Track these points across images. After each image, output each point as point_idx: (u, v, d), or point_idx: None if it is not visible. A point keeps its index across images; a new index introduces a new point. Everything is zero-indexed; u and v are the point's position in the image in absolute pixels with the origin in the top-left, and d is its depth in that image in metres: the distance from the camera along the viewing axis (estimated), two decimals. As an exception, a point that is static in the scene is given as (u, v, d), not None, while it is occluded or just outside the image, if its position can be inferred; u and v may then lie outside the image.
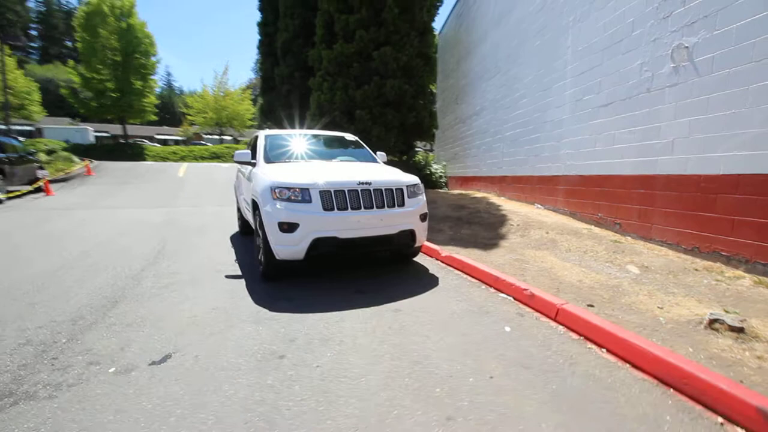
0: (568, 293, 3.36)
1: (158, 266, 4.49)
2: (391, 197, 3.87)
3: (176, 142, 46.98)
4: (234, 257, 4.92)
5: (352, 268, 4.37)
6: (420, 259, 4.85)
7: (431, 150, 19.18)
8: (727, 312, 2.78)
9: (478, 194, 10.04)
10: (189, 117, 40.21)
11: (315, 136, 5.59)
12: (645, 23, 4.77)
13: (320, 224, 3.57)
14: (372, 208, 3.73)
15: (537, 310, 3.08)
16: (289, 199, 3.61)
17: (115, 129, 45.29)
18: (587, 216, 5.96)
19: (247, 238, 6.16)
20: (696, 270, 3.74)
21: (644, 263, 4.06)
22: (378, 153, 5.44)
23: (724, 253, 3.76)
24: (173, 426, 1.77)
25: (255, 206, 4.24)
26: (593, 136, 5.80)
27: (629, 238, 4.99)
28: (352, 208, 3.66)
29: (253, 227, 4.47)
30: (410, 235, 4.01)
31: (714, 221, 3.86)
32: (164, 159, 26.40)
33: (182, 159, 26.65)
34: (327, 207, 3.60)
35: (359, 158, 5.16)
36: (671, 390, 2.05)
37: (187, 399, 1.98)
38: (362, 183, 3.75)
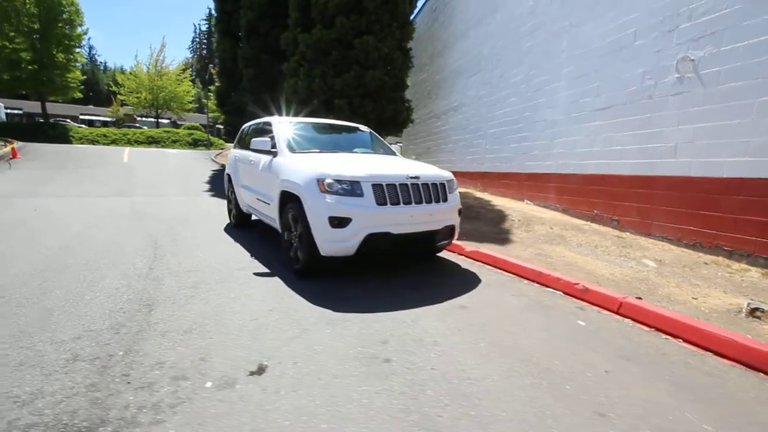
0: (608, 286, 3.56)
1: (167, 263, 4.04)
2: (436, 192, 3.81)
3: (104, 124, 42.44)
4: (246, 253, 4.58)
5: (379, 266, 4.24)
6: (442, 254, 4.86)
7: (398, 144, 19.24)
8: (758, 301, 3.13)
9: (460, 189, 10.27)
10: (120, 96, 36.56)
11: (330, 125, 5.34)
12: (648, 35, 5.15)
13: (374, 219, 3.42)
14: (421, 203, 3.66)
15: (595, 304, 3.23)
16: (338, 193, 3.41)
17: (31, 106, 39.85)
18: (581, 212, 6.36)
19: (245, 231, 5.77)
20: (705, 263, 4.16)
21: (656, 257, 4.44)
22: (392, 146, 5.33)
23: (726, 248, 4.22)
24: (331, 444, 1.61)
25: (285, 199, 3.96)
26: (590, 138, 6.18)
27: (628, 233, 5.41)
28: (404, 203, 3.56)
29: (278, 222, 4.17)
30: (451, 230, 4.00)
31: (716, 219, 4.31)
32: (93, 142, 23.69)
33: (114, 143, 24.11)
34: (380, 201, 3.46)
35: (379, 150, 5.02)
36: (760, 374, 2.26)
37: (324, 411, 1.80)
38: (411, 177, 3.66)
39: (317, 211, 3.42)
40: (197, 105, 49.19)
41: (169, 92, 35.97)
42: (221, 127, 51.52)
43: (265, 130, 4.98)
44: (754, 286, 3.56)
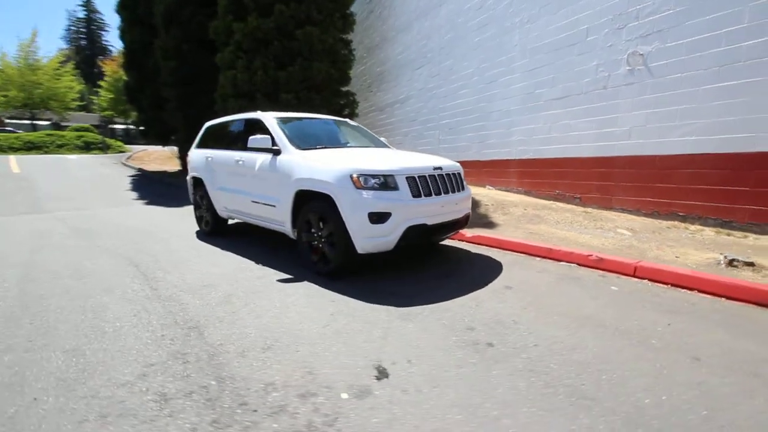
0: (610, 254, 4.04)
1: (167, 281, 3.60)
2: (456, 181, 3.93)
3: (-41, 128, 34.84)
4: (247, 260, 4.26)
5: (382, 263, 4.14)
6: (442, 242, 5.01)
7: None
8: (729, 254, 3.81)
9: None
10: (-21, 97, 30.48)
11: (320, 120, 5.13)
12: (600, 31, 5.82)
13: (411, 212, 3.42)
14: (447, 192, 3.74)
15: (612, 271, 3.65)
16: (374, 188, 3.35)
17: None
18: (544, 193, 7.00)
19: (224, 238, 5.33)
20: (668, 228, 4.91)
21: (627, 227, 5.11)
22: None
23: (680, 214, 5.03)
24: None
25: (303, 199, 3.76)
26: (547, 125, 6.80)
27: (592, 209, 6.12)
28: (434, 194, 3.61)
29: (289, 225, 3.93)
30: (468, 218, 4.16)
31: (670, 190, 5.10)
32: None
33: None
34: (415, 194, 3.46)
35: (375, 144, 4.97)
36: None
37: (480, 400, 1.82)
38: (436, 168, 3.72)
39: (354, 207, 3.32)
40: (83, 103, 42.94)
41: (47, 89, 30.90)
42: (119, 127, 45.75)
43: (255, 128, 4.60)
44: (714, 242, 4.32)
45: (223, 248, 4.84)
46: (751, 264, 3.51)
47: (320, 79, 10.93)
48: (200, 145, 5.79)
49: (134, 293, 3.30)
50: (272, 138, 4.17)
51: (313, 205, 3.70)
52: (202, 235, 5.62)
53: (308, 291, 3.31)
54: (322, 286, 3.40)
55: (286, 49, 10.71)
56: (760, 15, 4.12)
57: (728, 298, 2.99)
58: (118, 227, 6.14)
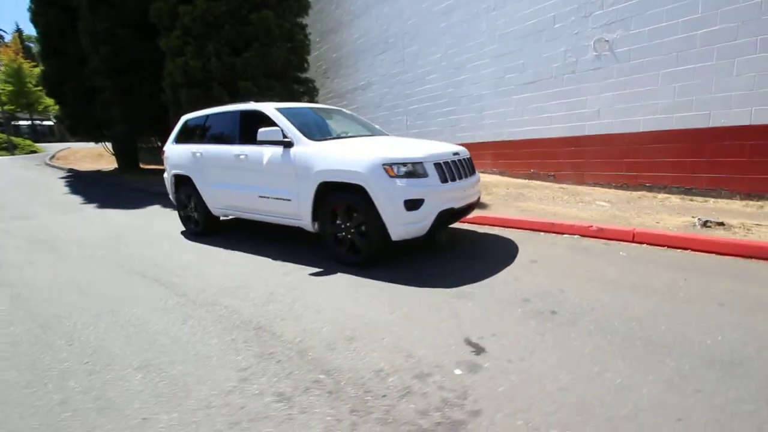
0: (578, 225, 4.50)
1: (189, 286, 3.44)
2: (470, 166, 4.11)
3: None
4: (263, 258, 4.15)
5: (398, 247, 4.20)
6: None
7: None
8: (700, 217, 4.43)
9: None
10: None
11: (319, 109, 5.02)
12: (566, 19, 6.27)
13: (442, 197, 3.55)
14: (466, 177, 3.92)
15: (613, 239, 4.08)
16: (405, 175, 3.42)
17: None
18: (519, 173, 7.48)
19: (220, 237, 5.12)
20: (639, 198, 5.54)
21: (604, 199, 5.67)
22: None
23: (647, 185, 5.68)
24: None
25: (325, 191, 3.72)
26: (519, 108, 7.23)
27: (566, 185, 6.67)
28: (457, 178, 3.76)
29: (309, 218, 3.88)
30: (479, 200, 4.38)
31: (637, 164, 5.73)
32: None
33: None
34: (443, 179, 3.59)
35: (375, 132, 4.99)
36: (752, 259, 3.34)
37: (589, 362, 2.04)
38: (455, 153, 3.87)
39: (389, 196, 3.37)
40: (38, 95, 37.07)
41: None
42: (24, 123, 40.17)
43: (255, 120, 4.39)
44: (682, 207, 4.97)
45: (223, 247, 4.65)
46: (721, 224, 4.12)
47: (279, 66, 10.53)
48: (180, 140, 5.41)
49: (164, 302, 3.11)
50: (282, 130, 4.04)
51: (337, 197, 3.69)
52: (189, 236, 5.33)
53: (350, 282, 3.34)
54: (360, 276, 3.45)
55: (240, 33, 10.15)
56: (712, 6, 4.73)
57: (718, 253, 3.51)
58: (84, 235, 5.59)
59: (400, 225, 3.42)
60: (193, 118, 5.33)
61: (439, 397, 1.82)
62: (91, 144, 16.69)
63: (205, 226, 5.24)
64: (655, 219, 4.60)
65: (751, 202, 4.66)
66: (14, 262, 4.41)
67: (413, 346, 2.26)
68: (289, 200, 4.05)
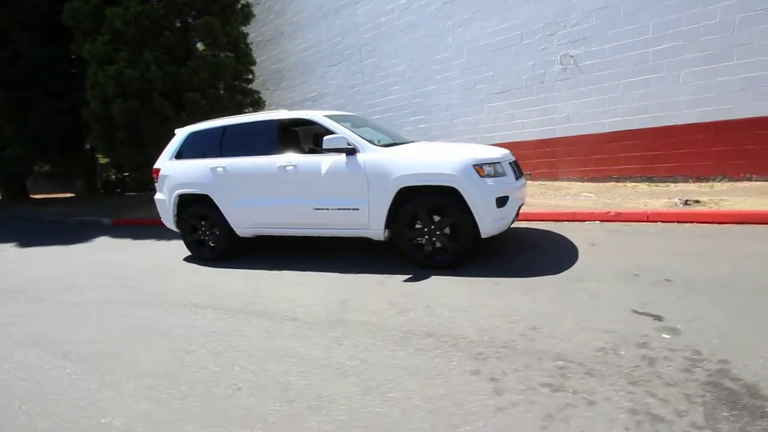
0: (598, 212, 5.23)
1: (295, 313, 3.15)
2: (519, 167, 4.46)
3: None
4: (324, 273, 3.95)
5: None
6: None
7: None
8: (679, 198, 5.43)
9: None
10: None
11: (352, 116, 4.91)
12: (533, 37, 7.12)
13: (517, 194, 3.83)
14: (522, 176, 4.24)
15: (630, 220, 4.78)
16: (492, 175, 3.61)
17: None
18: (495, 174, 8.13)
19: (243, 258, 4.67)
20: (615, 187, 6.51)
21: (585, 192, 6.54)
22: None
23: (615, 176, 6.72)
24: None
25: (403, 196, 3.70)
26: (491, 116, 7.92)
27: (543, 181, 7.49)
28: (520, 177, 4.07)
29: (382, 225, 3.80)
30: (520, 198, 4.75)
31: (605, 160, 6.75)
32: None
33: None
34: (516, 177, 3.87)
35: (399, 139, 5.05)
36: (746, 224, 4.25)
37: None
38: (510, 155, 4.18)
39: (482, 195, 3.51)
40: None
41: None
42: None
43: (299, 128, 4.13)
44: (652, 192, 6.01)
45: (263, 268, 4.28)
46: (697, 201, 5.13)
47: (228, 76, 9.83)
48: (184, 156, 4.79)
49: (295, 329, 2.79)
50: (345, 138, 3.89)
51: (420, 200, 3.70)
52: (200, 262, 4.80)
53: (457, 281, 3.40)
54: (455, 276, 3.52)
55: (181, 40, 9.25)
56: (661, 28, 5.90)
57: (719, 223, 4.38)
58: (44, 278, 4.59)
59: (492, 221, 3.58)
60: (202, 131, 4.76)
61: (681, 357, 2.03)
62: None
63: (224, 250, 4.72)
64: (642, 203, 5.49)
65: (703, 184, 5.89)
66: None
67: (599, 325, 2.44)
68: (356, 209, 3.91)
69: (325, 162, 3.97)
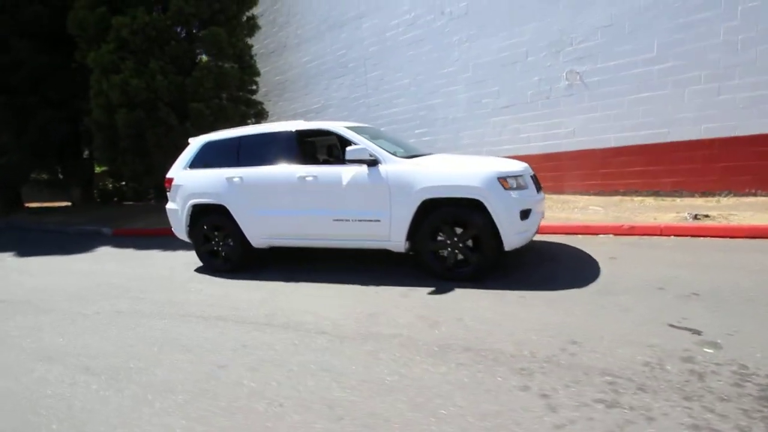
0: (611, 226, 5.28)
1: (328, 327, 3.10)
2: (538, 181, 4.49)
3: None
4: (342, 285, 3.92)
5: None
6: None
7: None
8: (688, 212, 5.50)
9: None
10: None
11: (367, 128, 4.92)
12: (539, 54, 7.27)
13: (538, 206, 3.86)
14: (540, 189, 4.27)
15: (645, 234, 4.83)
16: (515, 188, 3.63)
17: None
18: (500, 186, 8.19)
19: (256, 270, 4.62)
20: (621, 202, 6.59)
21: (593, 205, 6.61)
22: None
23: (621, 190, 6.81)
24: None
25: (427, 208, 3.69)
26: (497, 129, 8.02)
27: (548, 194, 7.54)
28: (539, 190, 4.10)
29: (403, 238, 3.79)
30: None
31: (611, 174, 6.85)
32: None
33: None
34: (537, 190, 3.90)
35: (415, 151, 5.07)
36: (758, 239, 4.31)
37: (774, 326, 2.46)
38: (529, 168, 4.21)
39: (506, 207, 3.52)
40: None
41: None
42: None
43: (318, 139, 4.13)
44: (660, 206, 6.10)
45: (278, 280, 4.22)
46: (707, 216, 5.22)
47: (234, 87, 9.85)
48: (199, 165, 4.75)
49: (328, 344, 2.73)
50: (367, 149, 3.89)
51: (443, 212, 3.70)
52: (212, 273, 4.70)
53: (482, 293, 3.38)
54: (479, 288, 3.50)
55: (187, 51, 9.27)
56: (665, 47, 6.07)
57: (731, 237, 4.44)
58: (49, 288, 4.49)
59: (516, 233, 3.59)
60: (217, 140, 4.73)
61: (729, 371, 2.03)
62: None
63: (238, 261, 4.65)
64: (651, 216, 5.57)
65: (709, 199, 5.99)
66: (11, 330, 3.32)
67: (638, 339, 2.43)
68: (378, 221, 3.89)
69: (346, 173, 3.96)
